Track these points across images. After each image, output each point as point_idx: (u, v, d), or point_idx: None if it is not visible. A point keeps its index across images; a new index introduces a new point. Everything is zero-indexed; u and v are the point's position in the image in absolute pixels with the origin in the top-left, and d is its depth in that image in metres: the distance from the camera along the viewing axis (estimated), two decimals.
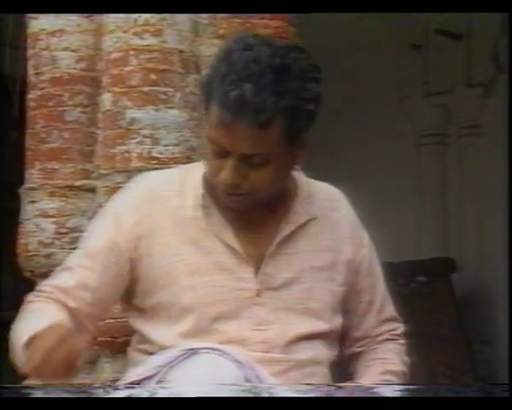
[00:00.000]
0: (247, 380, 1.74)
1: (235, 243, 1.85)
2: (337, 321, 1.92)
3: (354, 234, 1.96)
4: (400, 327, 2.04)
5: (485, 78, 5.69)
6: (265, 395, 1.45)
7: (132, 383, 1.78)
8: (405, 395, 1.40)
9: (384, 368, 1.96)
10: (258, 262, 1.86)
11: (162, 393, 1.47)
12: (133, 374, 1.83)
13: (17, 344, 1.84)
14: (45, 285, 1.93)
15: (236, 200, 1.82)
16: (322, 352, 1.90)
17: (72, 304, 1.88)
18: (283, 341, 1.85)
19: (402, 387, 1.47)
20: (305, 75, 1.80)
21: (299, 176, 1.96)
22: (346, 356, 1.99)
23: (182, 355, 1.76)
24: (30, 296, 1.94)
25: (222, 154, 1.78)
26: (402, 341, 2.04)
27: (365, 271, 1.97)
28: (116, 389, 1.53)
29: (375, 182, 5.64)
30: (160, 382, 1.76)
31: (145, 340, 1.89)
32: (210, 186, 1.86)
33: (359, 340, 1.99)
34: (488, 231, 5.59)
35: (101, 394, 1.46)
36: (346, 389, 1.58)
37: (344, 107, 5.73)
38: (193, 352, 1.76)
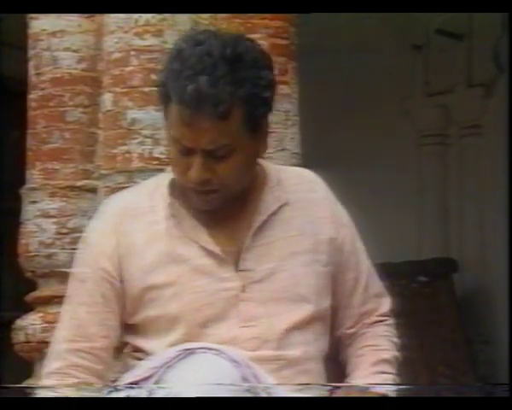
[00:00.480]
0: (244, 379, 1.74)
1: (210, 245, 1.84)
2: (326, 303, 1.90)
3: (333, 213, 1.94)
4: (387, 301, 2.00)
5: (485, 78, 5.69)
6: (263, 394, 1.45)
7: (130, 385, 1.79)
8: (406, 395, 1.40)
9: (376, 357, 1.94)
10: (236, 258, 1.85)
11: (160, 393, 1.47)
12: (130, 375, 1.83)
13: None
14: (56, 368, 1.87)
15: (207, 199, 1.82)
16: (315, 345, 1.89)
17: (98, 366, 1.85)
18: (274, 334, 1.84)
19: (402, 387, 1.47)
20: (257, 63, 1.80)
21: (268, 164, 1.95)
22: (336, 340, 1.97)
23: (178, 356, 1.76)
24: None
25: (187, 152, 1.78)
26: (390, 320, 2.00)
27: (348, 249, 1.94)
28: (114, 389, 1.53)
29: (376, 182, 5.64)
30: (157, 383, 1.76)
31: (138, 349, 1.90)
32: (179, 191, 1.86)
33: (348, 319, 1.96)
34: (489, 231, 5.59)
35: (99, 394, 1.46)
36: (346, 389, 1.57)
37: (344, 107, 5.73)
38: (189, 352, 1.76)
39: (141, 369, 1.81)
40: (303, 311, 1.87)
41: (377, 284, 2.00)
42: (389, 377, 1.91)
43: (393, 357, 1.99)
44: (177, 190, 1.87)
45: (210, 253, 1.84)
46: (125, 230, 1.87)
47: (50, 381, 1.82)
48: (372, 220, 5.60)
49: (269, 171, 1.93)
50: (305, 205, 1.91)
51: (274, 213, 1.87)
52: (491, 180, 5.46)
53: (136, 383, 1.78)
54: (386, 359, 1.96)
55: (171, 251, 1.85)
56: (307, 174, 1.97)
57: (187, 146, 1.78)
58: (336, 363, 1.93)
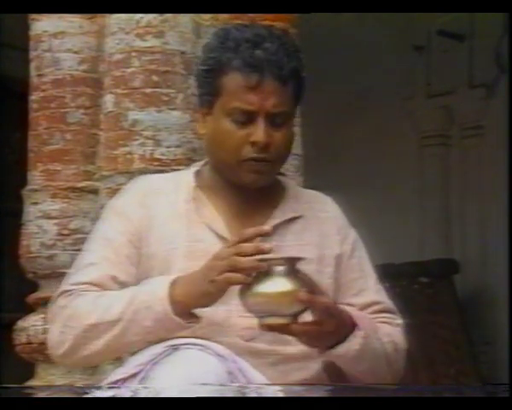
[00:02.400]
0: (230, 373, 1.76)
1: (225, 233, 1.91)
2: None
3: (340, 231, 2.01)
4: (398, 320, 2.05)
5: (487, 79, 5.69)
6: (253, 394, 1.45)
7: (116, 382, 1.80)
8: (406, 395, 1.41)
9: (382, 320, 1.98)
10: None
11: (146, 391, 1.48)
12: (117, 373, 1.84)
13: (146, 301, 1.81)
14: (73, 284, 1.93)
15: (261, 169, 1.90)
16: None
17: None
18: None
19: (402, 387, 1.48)
20: (296, 45, 1.96)
21: (287, 180, 2.06)
22: None
23: (164, 352, 1.78)
24: (59, 299, 1.92)
25: (247, 120, 1.89)
26: (400, 329, 2.05)
27: (351, 268, 1.99)
28: (100, 388, 1.54)
29: (378, 183, 5.64)
30: (143, 379, 1.77)
31: None
32: (210, 176, 1.97)
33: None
34: (490, 232, 5.59)
35: (87, 394, 1.47)
36: (347, 389, 1.58)
37: (346, 108, 5.73)
38: (175, 348, 1.78)
39: (127, 366, 1.83)
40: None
41: (387, 301, 2.04)
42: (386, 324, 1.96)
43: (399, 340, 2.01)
44: (204, 179, 1.98)
45: (224, 241, 1.90)
46: (149, 204, 1.95)
47: (65, 299, 1.88)
48: (374, 221, 5.61)
49: (288, 186, 2.04)
50: (316, 221, 1.99)
51: (287, 222, 1.95)
52: (493, 181, 5.45)
53: (123, 380, 1.79)
54: (389, 332, 1.97)
55: (188, 231, 1.92)
56: (321, 195, 2.06)
57: (251, 110, 1.88)
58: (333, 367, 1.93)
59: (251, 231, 1.80)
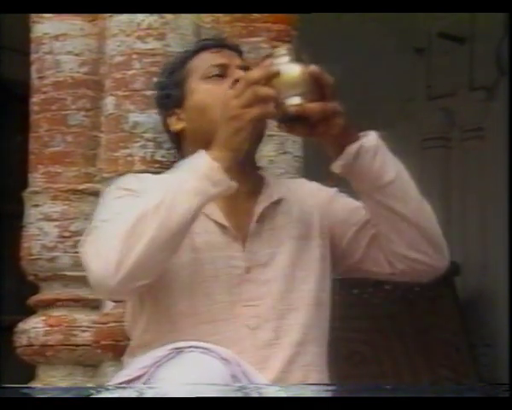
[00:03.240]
0: (234, 377, 1.77)
1: (224, 221, 1.95)
2: (325, 287, 2.00)
3: (316, 191, 2.10)
4: None
5: (488, 81, 5.69)
6: (255, 394, 1.46)
7: (120, 384, 1.80)
8: (406, 395, 1.41)
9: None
10: (244, 241, 1.96)
11: (150, 393, 1.48)
12: (121, 375, 1.84)
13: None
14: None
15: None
16: (315, 328, 1.96)
17: None
18: (275, 315, 1.92)
19: (401, 387, 1.48)
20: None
21: (263, 171, 2.14)
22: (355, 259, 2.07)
23: (168, 355, 1.78)
24: (89, 237, 1.90)
25: (223, 73, 2.04)
26: None
27: (344, 212, 2.08)
28: (105, 389, 1.54)
29: None
30: (147, 382, 1.78)
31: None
32: None
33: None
34: (491, 234, 5.59)
35: (91, 394, 1.47)
36: (343, 389, 1.59)
37: (346, 110, 5.72)
38: (179, 351, 1.78)
39: (131, 368, 1.83)
40: (302, 293, 1.95)
41: None
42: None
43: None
44: None
45: (223, 229, 1.95)
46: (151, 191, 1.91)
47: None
48: None
49: (265, 175, 2.12)
50: (297, 199, 2.06)
51: (274, 204, 2.01)
52: (494, 183, 5.45)
53: (126, 382, 1.80)
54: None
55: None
56: (296, 179, 2.20)
57: (223, 63, 2.06)
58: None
59: (259, 72, 1.84)
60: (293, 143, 2.96)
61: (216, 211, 1.96)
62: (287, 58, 1.85)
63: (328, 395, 1.48)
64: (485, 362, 5.47)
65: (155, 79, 2.21)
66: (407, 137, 5.85)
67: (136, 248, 1.77)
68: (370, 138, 2.01)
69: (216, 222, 1.95)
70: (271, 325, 1.91)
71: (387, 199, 1.99)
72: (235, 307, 1.90)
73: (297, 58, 1.85)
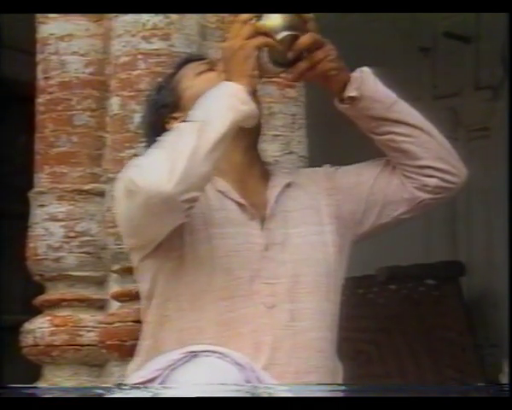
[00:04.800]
0: (248, 382, 1.77)
1: (242, 200, 2.00)
2: (338, 272, 2.05)
3: (314, 174, 2.17)
4: None
5: (493, 80, 5.68)
6: (265, 395, 1.46)
7: (134, 386, 1.80)
8: (409, 395, 1.41)
9: None
10: (262, 220, 2.02)
11: (164, 394, 1.48)
12: (135, 377, 1.84)
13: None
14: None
15: None
16: (328, 312, 1.99)
17: None
18: (291, 295, 1.95)
19: (404, 387, 1.48)
20: None
21: (267, 162, 2.21)
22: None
23: (183, 358, 1.78)
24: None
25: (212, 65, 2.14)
26: None
27: (334, 171, 2.20)
28: (118, 390, 1.54)
29: None
30: (161, 385, 1.78)
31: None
32: None
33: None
34: (497, 234, 5.58)
35: (103, 395, 1.47)
36: (349, 389, 1.59)
37: None
38: (193, 355, 1.78)
39: (146, 370, 1.83)
40: (316, 277, 1.98)
41: None
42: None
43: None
44: None
45: (242, 207, 2.00)
46: None
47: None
48: None
49: (270, 164, 2.22)
50: (303, 185, 2.11)
51: (285, 189, 2.07)
52: (500, 183, 5.45)
53: (140, 384, 1.80)
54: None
55: (206, 201, 1.99)
56: (299, 168, 2.32)
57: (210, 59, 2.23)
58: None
59: (245, 15, 2.02)
60: (299, 144, 2.97)
61: (231, 191, 2.02)
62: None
63: (336, 395, 1.48)
64: (490, 362, 5.46)
65: (144, 107, 2.28)
66: None
67: (182, 157, 1.86)
68: (364, 68, 2.21)
69: (233, 200, 2.00)
70: (287, 307, 1.94)
71: (401, 115, 2.23)
72: (254, 283, 1.93)
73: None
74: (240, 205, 2.00)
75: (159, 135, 2.01)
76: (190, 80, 2.11)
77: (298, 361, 1.90)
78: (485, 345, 5.52)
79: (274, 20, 1.99)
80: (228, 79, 1.95)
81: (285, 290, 1.95)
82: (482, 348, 5.49)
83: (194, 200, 1.88)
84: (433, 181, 2.11)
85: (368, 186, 2.12)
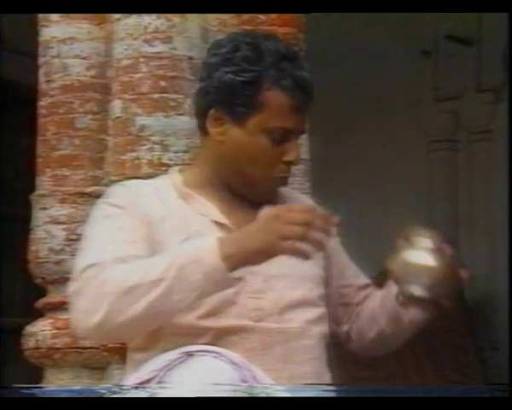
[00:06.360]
0: (244, 382, 1.76)
1: (223, 220, 1.95)
2: (332, 282, 2.07)
3: None
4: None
5: (495, 83, 5.68)
6: (262, 395, 1.46)
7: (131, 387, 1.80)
8: (405, 396, 1.41)
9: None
10: None
11: (161, 394, 1.48)
12: (131, 378, 1.84)
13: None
14: (100, 258, 1.85)
15: (282, 183, 1.98)
16: (316, 323, 1.98)
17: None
18: (278, 308, 1.93)
19: (399, 388, 1.48)
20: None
21: None
22: (343, 332, 2.13)
23: (178, 358, 1.78)
24: (86, 273, 1.83)
25: (283, 138, 1.93)
26: None
27: (340, 252, 2.13)
28: (115, 391, 1.54)
29: (386, 188, 5.64)
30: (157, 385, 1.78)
31: None
32: (198, 176, 1.99)
33: (351, 297, 2.12)
34: (499, 236, 5.58)
35: (100, 395, 1.47)
36: (348, 390, 1.59)
37: (353, 113, 5.73)
38: (189, 354, 1.78)
39: (141, 371, 1.82)
40: (305, 290, 1.97)
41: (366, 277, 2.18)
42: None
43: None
44: (190, 179, 1.99)
45: (221, 226, 1.94)
46: (142, 203, 1.94)
47: (91, 272, 1.81)
48: (381, 226, 5.60)
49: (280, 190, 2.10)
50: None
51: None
52: (502, 186, 5.44)
53: (136, 385, 1.79)
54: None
55: (184, 222, 1.93)
56: (298, 193, 2.16)
57: (290, 129, 1.92)
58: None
59: (320, 220, 1.75)
60: (300, 147, 2.96)
61: (212, 210, 1.96)
62: (429, 244, 1.83)
63: (336, 395, 1.48)
64: (492, 365, 5.46)
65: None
66: (414, 140, 5.84)
67: (120, 318, 1.78)
68: None
69: (213, 221, 1.94)
70: (273, 318, 1.92)
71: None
72: (240, 298, 1.90)
73: (437, 250, 1.81)
74: (220, 225, 1.93)
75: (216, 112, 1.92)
76: (256, 126, 1.92)
77: (290, 367, 1.89)
78: (487, 348, 5.52)
79: (417, 265, 1.78)
80: (230, 236, 1.82)
81: (272, 304, 1.93)
82: (484, 350, 5.49)
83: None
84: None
85: (338, 286, 2.12)
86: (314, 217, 1.74)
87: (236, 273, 1.84)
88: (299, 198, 2.10)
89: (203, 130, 1.98)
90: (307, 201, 2.13)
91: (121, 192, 2.00)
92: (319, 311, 2.00)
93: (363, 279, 2.16)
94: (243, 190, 1.96)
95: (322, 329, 2.00)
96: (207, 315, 1.88)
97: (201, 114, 1.97)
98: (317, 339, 1.97)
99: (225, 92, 1.92)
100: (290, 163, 1.94)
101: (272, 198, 1.99)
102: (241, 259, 1.77)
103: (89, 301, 1.79)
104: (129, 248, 1.87)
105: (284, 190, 2.07)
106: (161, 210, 1.95)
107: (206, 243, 1.79)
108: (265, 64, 1.90)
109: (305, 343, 1.94)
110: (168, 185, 2.00)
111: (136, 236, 1.89)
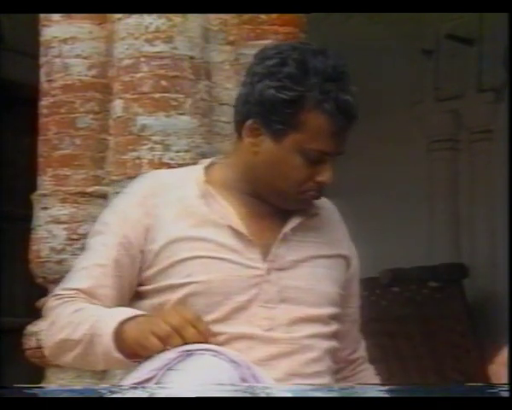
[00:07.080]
0: (244, 380, 1.76)
1: (240, 227, 1.92)
2: (340, 309, 2.02)
3: (348, 242, 2.08)
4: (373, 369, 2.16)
5: (496, 83, 5.68)
6: (262, 395, 1.46)
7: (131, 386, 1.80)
8: (402, 395, 1.41)
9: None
10: (266, 246, 1.93)
11: (160, 394, 1.49)
12: (131, 377, 1.84)
13: (95, 334, 1.87)
14: (65, 289, 1.97)
15: (315, 198, 1.96)
16: (326, 341, 1.96)
17: (97, 303, 1.95)
18: (289, 320, 1.92)
19: (400, 388, 1.48)
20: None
21: None
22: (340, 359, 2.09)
23: (178, 357, 1.78)
24: (50, 301, 1.98)
25: (318, 160, 1.90)
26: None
27: (355, 279, 2.09)
28: (114, 390, 1.54)
29: (387, 187, 5.64)
30: (157, 384, 1.77)
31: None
32: (223, 174, 1.97)
33: (350, 344, 2.09)
34: (500, 236, 5.58)
35: (100, 395, 1.47)
36: (347, 390, 1.59)
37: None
38: (188, 353, 1.78)
39: (141, 371, 1.83)
40: (318, 308, 1.95)
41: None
42: None
43: None
44: (214, 175, 1.97)
45: (238, 234, 1.91)
46: (156, 202, 1.94)
47: (54, 302, 1.94)
48: (382, 225, 5.60)
49: None
50: (328, 222, 2.04)
51: (307, 219, 1.98)
52: (502, 185, 5.45)
53: (136, 385, 1.80)
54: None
55: (199, 227, 1.91)
56: (328, 201, 2.09)
57: (328, 152, 1.90)
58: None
59: (204, 326, 1.82)
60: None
61: (230, 216, 1.93)
62: None
63: (336, 395, 1.48)
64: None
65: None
66: (415, 139, 5.84)
67: (59, 361, 1.98)
68: None
69: (230, 227, 1.91)
70: (283, 329, 1.90)
71: None
72: (252, 306, 1.89)
73: None
74: (236, 232, 1.91)
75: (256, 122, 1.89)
76: (293, 146, 1.89)
77: (297, 380, 1.88)
78: (488, 347, 5.51)
79: None
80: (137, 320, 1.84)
81: (283, 315, 1.92)
82: (485, 350, 5.49)
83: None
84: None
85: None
86: (187, 324, 1.79)
87: (252, 280, 1.86)
88: (326, 207, 2.05)
89: (239, 134, 1.96)
90: (335, 214, 2.07)
91: (135, 190, 2.00)
92: (329, 328, 1.98)
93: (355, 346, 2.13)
94: (271, 198, 1.94)
95: (331, 344, 1.98)
96: (221, 320, 1.88)
97: (239, 121, 1.95)
98: (325, 353, 1.95)
99: (265, 107, 1.89)
100: (322, 183, 1.92)
101: (301, 208, 1.96)
102: (128, 346, 1.84)
103: (45, 331, 1.99)
104: (99, 275, 1.94)
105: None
106: (176, 210, 1.93)
107: (111, 322, 1.85)
108: (310, 84, 1.87)
109: (313, 356, 1.92)
110: (191, 181, 1.96)
111: (111, 258, 1.94)
